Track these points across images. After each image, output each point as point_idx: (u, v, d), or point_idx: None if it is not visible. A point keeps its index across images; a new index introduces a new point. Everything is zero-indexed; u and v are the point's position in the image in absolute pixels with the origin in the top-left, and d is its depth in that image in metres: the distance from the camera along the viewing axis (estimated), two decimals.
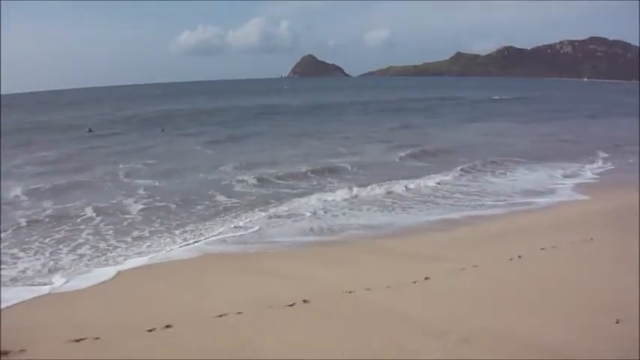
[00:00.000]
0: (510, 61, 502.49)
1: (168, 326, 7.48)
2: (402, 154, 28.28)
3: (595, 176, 22.12)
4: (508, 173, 22.95)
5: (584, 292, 8.04)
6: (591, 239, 11.28)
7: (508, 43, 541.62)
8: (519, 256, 10.27)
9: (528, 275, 9.15)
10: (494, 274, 9.36)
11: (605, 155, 27.56)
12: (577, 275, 8.94)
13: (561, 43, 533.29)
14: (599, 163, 25.42)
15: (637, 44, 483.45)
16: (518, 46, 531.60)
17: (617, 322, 6.76)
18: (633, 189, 17.56)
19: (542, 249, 10.75)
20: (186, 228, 14.96)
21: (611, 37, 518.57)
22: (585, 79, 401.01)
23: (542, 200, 17.32)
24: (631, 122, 44.01)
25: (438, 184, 20.61)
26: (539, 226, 13.31)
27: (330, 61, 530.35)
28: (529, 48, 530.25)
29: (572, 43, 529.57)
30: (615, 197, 17.11)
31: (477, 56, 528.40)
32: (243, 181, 21.62)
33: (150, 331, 7.35)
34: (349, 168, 24.28)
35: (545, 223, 13.68)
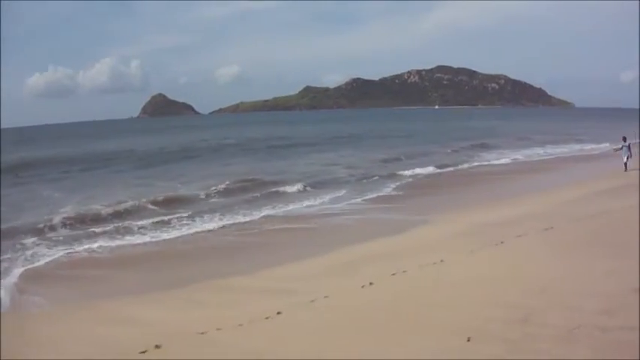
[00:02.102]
0: (359, 93, 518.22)
1: None
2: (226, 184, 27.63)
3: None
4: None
5: (435, 314, 8.14)
6: (441, 261, 11.54)
7: (357, 74, 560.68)
8: (371, 283, 10.28)
9: (380, 301, 9.19)
10: (346, 303, 9.31)
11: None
12: (428, 297, 9.07)
13: (409, 72, 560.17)
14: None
15: (481, 71, 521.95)
16: (366, 78, 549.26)
17: (469, 340, 6.86)
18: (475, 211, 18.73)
19: (393, 274, 10.84)
20: None
21: (456, 65, 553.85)
22: (436, 107, 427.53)
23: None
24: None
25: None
26: (389, 253, 13.43)
27: (180, 100, 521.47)
28: (377, 79, 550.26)
29: (419, 72, 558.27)
30: (456, 218, 17.84)
31: (326, 89, 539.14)
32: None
33: None
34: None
35: (395, 249, 13.85)
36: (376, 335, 7.52)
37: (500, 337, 6.87)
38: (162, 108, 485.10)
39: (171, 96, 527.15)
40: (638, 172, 26.14)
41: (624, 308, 7.33)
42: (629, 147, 29.76)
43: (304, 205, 23.19)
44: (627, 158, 29.34)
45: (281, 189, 27.09)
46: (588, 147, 50.09)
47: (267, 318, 8.78)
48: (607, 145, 43.53)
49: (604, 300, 7.73)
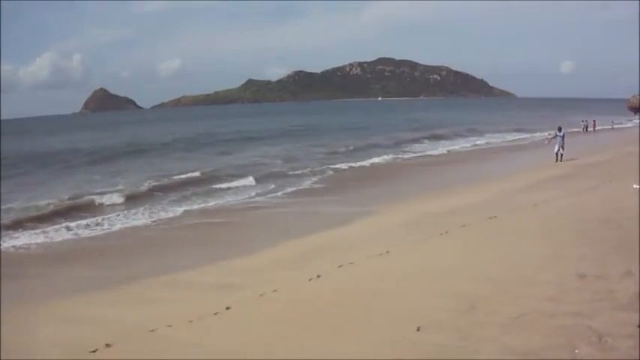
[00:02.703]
0: (302, 86, 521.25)
1: None
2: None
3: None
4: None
5: (384, 304, 8.17)
6: (387, 252, 11.58)
7: (299, 67, 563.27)
8: (318, 276, 10.23)
9: (329, 293, 9.15)
10: (295, 297, 9.25)
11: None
12: (376, 288, 9.07)
13: (351, 64, 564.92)
14: None
15: (423, 63, 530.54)
16: (309, 70, 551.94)
17: (418, 330, 6.87)
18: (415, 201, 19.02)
19: (340, 266, 10.80)
20: None
21: (398, 57, 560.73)
22: (379, 99, 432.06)
23: None
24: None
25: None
26: (335, 245, 13.39)
27: (122, 94, 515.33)
28: (319, 71, 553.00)
29: (361, 64, 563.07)
30: (400, 209, 18.04)
31: (268, 82, 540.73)
32: None
33: None
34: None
35: (340, 241, 13.81)
36: (326, 327, 7.49)
37: (449, 326, 6.91)
38: (104, 103, 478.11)
39: (112, 90, 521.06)
40: (571, 161, 26.87)
41: (570, 294, 7.50)
42: (562, 137, 30.07)
43: (244, 197, 23.26)
44: (560, 148, 29.75)
45: (223, 185, 26.80)
46: (524, 136, 51.70)
47: (216, 314, 8.62)
48: (544, 134, 45.01)
49: (549, 286, 7.88)
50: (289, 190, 24.97)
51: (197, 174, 30.21)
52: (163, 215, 19.97)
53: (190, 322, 8.35)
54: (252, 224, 18.33)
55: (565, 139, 30.20)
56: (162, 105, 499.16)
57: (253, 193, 24.15)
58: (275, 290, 9.60)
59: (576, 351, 5.83)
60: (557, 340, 6.15)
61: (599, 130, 60.49)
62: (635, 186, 15.87)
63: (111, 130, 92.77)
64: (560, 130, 30.47)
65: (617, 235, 10.77)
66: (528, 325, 6.63)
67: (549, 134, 34.35)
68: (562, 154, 29.66)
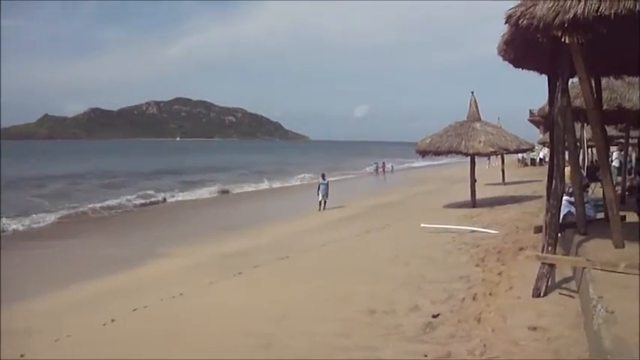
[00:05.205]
0: (98, 124, 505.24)
1: None
2: None
3: None
4: None
5: (178, 348, 8.01)
6: (181, 294, 11.41)
7: (96, 104, 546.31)
8: (113, 320, 9.85)
9: (124, 338, 8.88)
10: (90, 341, 8.87)
11: None
12: (171, 331, 8.93)
13: (147, 103, 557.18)
14: None
15: (218, 104, 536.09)
16: (105, 108, 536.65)
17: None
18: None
19: (134, 310, 10.49)
20: None
21: (194, 98, 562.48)
22: (178, 139, 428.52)
23: None
24: None
25: None
26: (126, 288, 12.96)
27: None
28: (116, 109, 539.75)
29: (157, 103, 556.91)
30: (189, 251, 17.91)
31: (65, 118, 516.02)
32: None
33: None
34: None
35: (132, 285, 13.38)
36: None
37: None
38: None
39: None
40: (334, 210, 27.47)
41: (360, 329, 7.87)
42: (327, 185, 28.69)
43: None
44: (324, 196, 28.20)
45: None
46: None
47: None
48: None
49: (341, 323, 8.23)
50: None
51: None
52: None
53: None
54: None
55: (329, 187, 28.91)
56: None
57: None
58: (69, 335, 9.13)
59: None
60: None
61: (389, 171, 65.93)
62: (422, 225, 17.12)
63: None
64: (323, 177, 29.58)
65: (404, 271, 11.50)
66: None
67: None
68: (325, 202, 28.32)
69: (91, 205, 32.32)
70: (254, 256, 15.47)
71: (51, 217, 27.93)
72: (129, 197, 36.43)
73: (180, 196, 40.14)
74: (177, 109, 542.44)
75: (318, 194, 28.41)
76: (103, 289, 13.10)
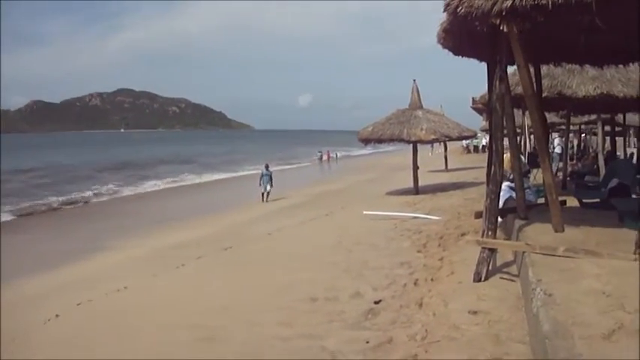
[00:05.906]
0: (40, 116, 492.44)
1: None
2: None
3: None
4: None
5: (121, 343, 7.91)
6: (125, 287, 11.22)
7: (39, 97, 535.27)
8: (57, 316, 9.66)
9: (69, 334, 8.70)
10: (35, 340, 8.66)
11: None
12: (116, 326, 8.77)
13: (90, 95, 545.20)
14: None
15: (162, 94, 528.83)
16: (47, 100, 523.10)
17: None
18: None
19: (78, 304, 10.31)
20: None
21: (137, 89, 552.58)
22: (122, 130, 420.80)
23: None
24: None
25: None
26: (69, 283, 12.69)
27: None
28: (59, 102, 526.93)
29: (100, 95, 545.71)
30: (132, 244, 17.71)
31: (7, 111, 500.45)
32: None
33: None
34: None
35: (75, 279, 13.11)
36: None
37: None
38: None
39: None
40: (278, 200, 27.37)
41: (302, 317, 7.86)
42: (270, 175, 28.40)
43: None
44: (266, 187, 27.96)
45: None
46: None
47: None
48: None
49: (283, 312, 8.19)
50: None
51: None
52: None
53: None
54: None
55: (273, 177, 28.69)
56: None
57: None
58: (13, 340, 8.80)
59: None
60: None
61: (334, 159, 66.23)
62: (364, 212, 17.18)
63: None
64: (267, 167, 29.08)
65: (346, 258, 11.52)
66: (265, 350, 6.85)
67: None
68: (268, 193, 28.09)
69: (39, 201, 32.09)
70: (198, 247, 15.39)
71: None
72: (77, 192, 36.42)
73: (128, 190, 39.97)
74: (121, 100, 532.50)
75: (260, 185, 28.30)
76: (47, 284, 12.82)
